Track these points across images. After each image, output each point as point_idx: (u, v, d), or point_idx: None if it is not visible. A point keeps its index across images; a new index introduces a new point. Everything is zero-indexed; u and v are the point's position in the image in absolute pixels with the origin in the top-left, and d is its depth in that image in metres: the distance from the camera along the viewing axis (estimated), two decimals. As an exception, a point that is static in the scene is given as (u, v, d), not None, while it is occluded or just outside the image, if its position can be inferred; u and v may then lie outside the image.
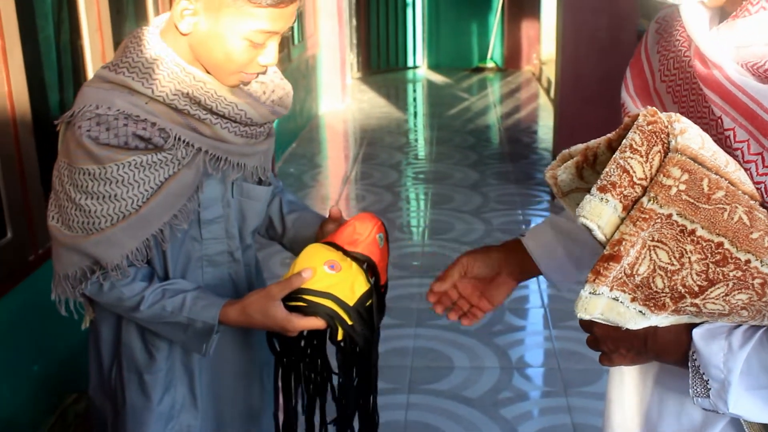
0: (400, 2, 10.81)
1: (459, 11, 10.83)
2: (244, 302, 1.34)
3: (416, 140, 7.16)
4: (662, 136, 0.84)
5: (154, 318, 1.37)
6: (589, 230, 0.86)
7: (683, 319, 0.92)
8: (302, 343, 1.44)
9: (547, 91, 8.58)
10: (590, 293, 0.86)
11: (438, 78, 10.30)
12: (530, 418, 2.79)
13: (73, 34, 2.84)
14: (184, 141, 1.32)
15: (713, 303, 0.86)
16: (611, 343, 1.00)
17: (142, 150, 1.29)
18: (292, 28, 1.33)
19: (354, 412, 1.46)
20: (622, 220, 0.84)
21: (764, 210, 0.86)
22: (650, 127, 0.84)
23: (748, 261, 0.83)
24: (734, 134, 0.89)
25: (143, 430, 1.46)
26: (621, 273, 0.85)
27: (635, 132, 0.85)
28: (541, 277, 1.35)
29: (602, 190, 0.84)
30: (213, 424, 1.54)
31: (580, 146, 0.96)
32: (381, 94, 9.19)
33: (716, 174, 0.83)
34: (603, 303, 0.86)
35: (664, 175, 0.82)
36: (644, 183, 0.84)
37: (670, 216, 0.83)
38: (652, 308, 0.87)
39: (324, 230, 1.50)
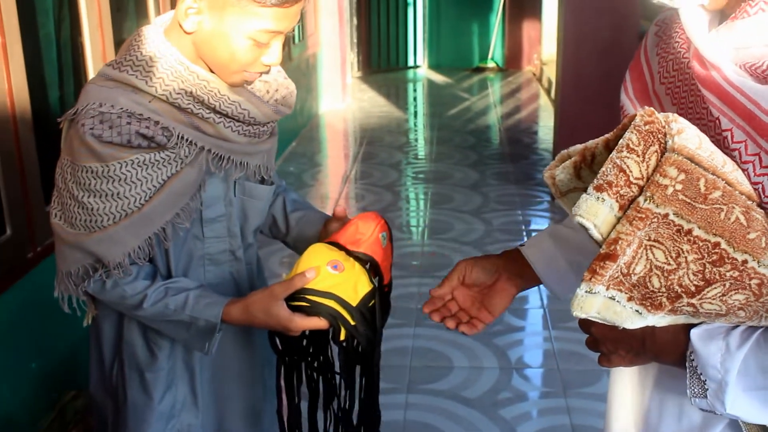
0: (401, 1, 10.81)
1: (460, 11, 10.83)
2: (246, 301, 1.34)
3: (416, 140, 7.16)
4: (659, 136, 0.84)
5: (156, 316, 1.37)
6: (585, 229, 0.86)
7: (680, 320, 0.92)
8: (304, 342, 1.44)
9: (548, 92, 8.58)
10: (586, 292, 0.86)
11: (438, 78, 10.30)
12: (529, 419, 2.79)
13: (74, 31, 2.84)
14: (187, 140, 1.32)
15: (710, 303, 0.86)
16: (610, 344, 1.00)
17: (145, 148, 1.29)
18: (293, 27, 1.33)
19: (352, 410, 1.46)
20: (619, 219, 0.84)
21: (761, 210, 0.86)
22: (647, 127, 0.84)
23: (745, 261, 0.83)
24: (732, 135, 0.89)
25: (144, 428, 1.46)
26: (617, 272, 0.85)
27: (632, 132, 0.85)
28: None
29: (598, 189, 0.85)
30: (214, 424, 1.54)
31: (579, 147, 0.96)
32: (381, 93, 9.19)
33: (713, 174, 0.83)
34: (599, 302, 0.87)
35: (660, 175, 0.83)
36: (641, 182, 0.84)
37: (666, 216, 0.83)
38: (649, 308, 0.87)
39: (328, 229, 1.50)
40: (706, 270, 0.84)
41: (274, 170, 1.55)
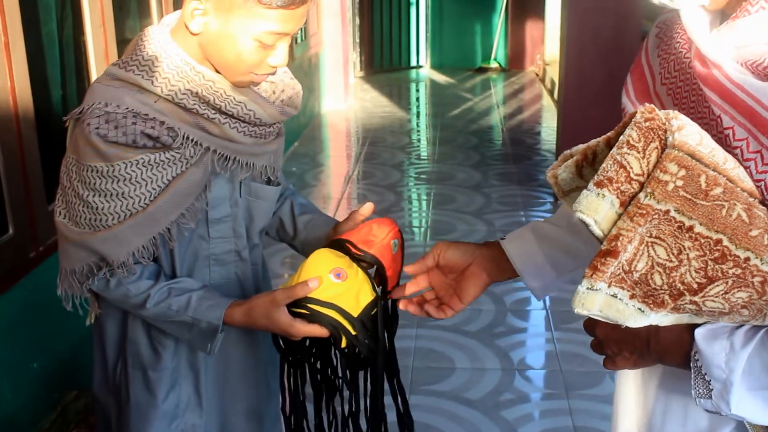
0: (404, 1, 10.81)
1: (463, 11, 10.82)
2: (249, 305, 1.34)
3: (419, 140, 7.15)
4: (659, 132, 0.84)
5: (159, 316, 1.37)
6: (586, 225, 0.85)
7: (684, 318, 0.91)
8: (307, 343, 1.44)
9: (551, 92, 8.57)
10: (587, 288, 0.85)
11: (441, 78, 10.29)
12: (531, 420, 2.78)
13: (76, 30, 2.84)
14: (192, 140, 1.32)
15: (713, 301, 0.85)
16: (614, 346, 0.99)
17: (150, 148, 1.29)
18: (297, 28, 1.33)
19: (358, 414, 1.46)
20: (620, 215, 0.84)
21: (763, 207, 0.86)
22: (647, 123, 0.84)
23: (747, 259, 0.83)
24: (733, 133, 0.89)
25: (147, 427, 1.46)
26: (619, 269, 0.84)
27: (632, 128, 0.85)
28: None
29: (599, 185, 0.84)
30: (217, 424, 1.54)
31: (581, 146, 0.96)
32: (384, 93, 9.19)
33: (714, 170, 0.83)
34: (601, 299, 0.86)
35: (661, 171, 0.82)
36: (641, 179, 0.84)
37: (667, 212, 0.82)
38: (651, 305, 0.86)
39: (338, 230, 1.49)
40: (708, 267, 0.83)
41: (281, 171, 1.55)
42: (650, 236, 0.83)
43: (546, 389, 3.00)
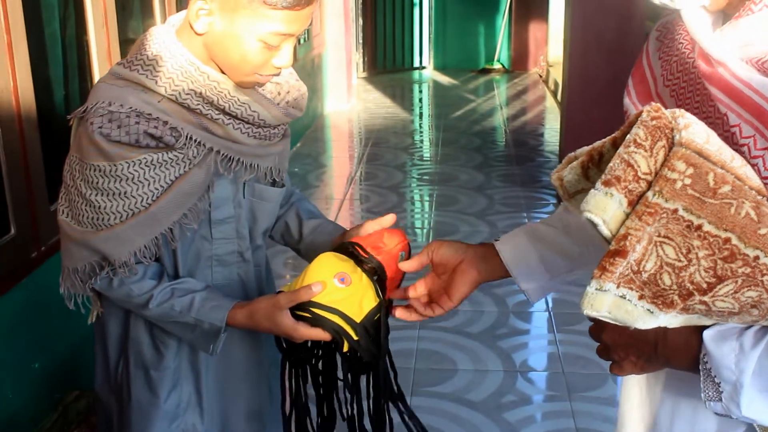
0: (407, 2, 10.80)
1: (466, 12, 10.81)
2: (252, 307, 1.34)
3: (422, 141, 7.15)
4: (666, 131, 0.83)
5: (162, 317, 1.37)
6: (594, 225, 0.84)
7: (693, 319, 0.90)
8: (309, 344, 1.44)
9: (554, 94, 8.56)
10: (596, 289, 0.84)
11: (444, 79, 10.29)
12: (533, 422, 2.77)
13: (79, 30, 2.84)
14: (195, 140, 1.32)
15: (722, 300, 0.84)
16: (621, 351, 0.98)
17: (153, 148, 1.29)
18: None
19: (361, 416, 1.45)
20: (628, 215, 0.83)
21: None
22: (654, 122, 0.84)
23: (756, 257, 0.82)
24: (740, 130, 0.89)
25: (148, 426, 1.46)
26: (628, 270, 0.83)
27: (639, 127, 0.84)
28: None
29: (607, 184, 0.83)
30: (218, 424, 1.54)
31: (586, 148, 0.95)
32: (387, 94, 9.18)
33: (722, 168, 0.82)
34: (610, 300, 0.85)
35: (668, 169, 0.82)
36: (649, 178, 0.83)
37: (676, 211, 0.82)
38: (660, 306, 0.86)
39: (349, 234, 1.49)
40: (718, 266, 0.82)
41: (286, 172, 1.54)
42: (659, 236, 0.82)
43: (548, 391, 2.99)
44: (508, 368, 3.11)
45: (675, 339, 0.93)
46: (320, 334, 1.31)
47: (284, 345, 1.42)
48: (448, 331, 3.37)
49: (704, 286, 0.83)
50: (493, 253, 1.30)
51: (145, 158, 1.28)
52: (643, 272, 0.83)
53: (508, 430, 2.71)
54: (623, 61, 4.81)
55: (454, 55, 10.92)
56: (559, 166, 0.98)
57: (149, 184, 1.30)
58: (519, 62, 10.69)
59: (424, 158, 6.44)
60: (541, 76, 10.11)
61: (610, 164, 0.84)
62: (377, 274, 1.36)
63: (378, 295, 1.34)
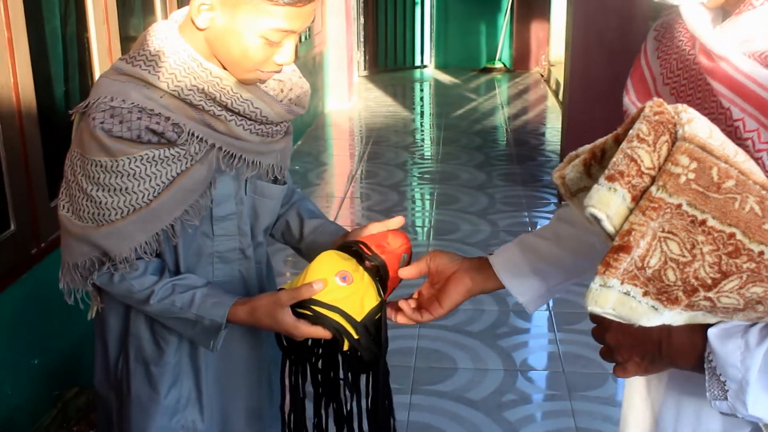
0: (409, 1, 10.79)
1: (468, 11, 10.81)
2: (253, 304, 1.34)
3: (423, 140, 7.14)
4: (669, 126, 0.83)
5: (163, 312, 1.37)
6: (598, 221, 0.84)
7: (698, 317, 0.89)
8: (309, 342, 1.43)
9: (556, 93, 8.56)
10: (600, 285, 0.84)
11: (445, 78, 10.28)
12: (533, 422, 2.77)
13: (80, 27, 2.83)
14: (197, 136, 1.31)
15: (727, 297, 0.84)
16: (625, 352, 0.97)
17: (154, 144, 1.28)
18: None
19: (360, 415, 1.45)
20: (631, 210, 0.83)
21: None
22: (657, 117, 0.83)
23: (761, 253, 0.81)
24: (744, 124, 0.88)
25: (148, 422, 1.46)
26: (632, 266, 0.83)
27: (642, 122, 0.83)
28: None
29: (610, 179, 0.83)
30: (218, 421, 1.53)
31: (588, 146, 0.95)
32: (388, 92, 9.18)
33: (726, 163, 0.82)
34: (614, 297, 0.84)
35: (672, 164, 0.81)
36: (652, 173, 0.82)
37: (680, 206, 0.81)
38: (665, 303, 0.85)
39: (353, 235, 1.49)
40: (722, 262, 0.81)
41: (288, 170, 1.54)
42: (663, 231, 0.81)
43: (548, 390, 2.98)
44: (508, 367, 3.10)
45: (679, 338, 0.92)
46: (321, 332, 1.31)
47: (284, 343, 1.42)
48: (448, 329, 3.37)
49: (709, 281, 0.83)
50: (488, 266, 1.33)
51: (146, 154, 1.28)
52: (647, 268, 0.83)
53: (508, 429, 2.70)
54: (625, 60, 4.79)
55: (455, 53, 10.92)
56: (561, 164, 0.98)
57: (151, 180, 1.29)
58: (520, 61, 10.69)
59: (425, 157, 6.44)
60: (542, 76, 10.11)
61: (613, 159, 0.84)
62: (379, 274, 1.36)
63: (379, 295, 1.34)
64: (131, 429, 1.47)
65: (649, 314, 0.86)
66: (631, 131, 0.84)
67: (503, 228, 4.65)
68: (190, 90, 1.29)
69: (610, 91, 4.90)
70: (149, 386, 1.45)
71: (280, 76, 1.42)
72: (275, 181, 1.50)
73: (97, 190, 1.29)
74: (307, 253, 1.58)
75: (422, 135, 7.38)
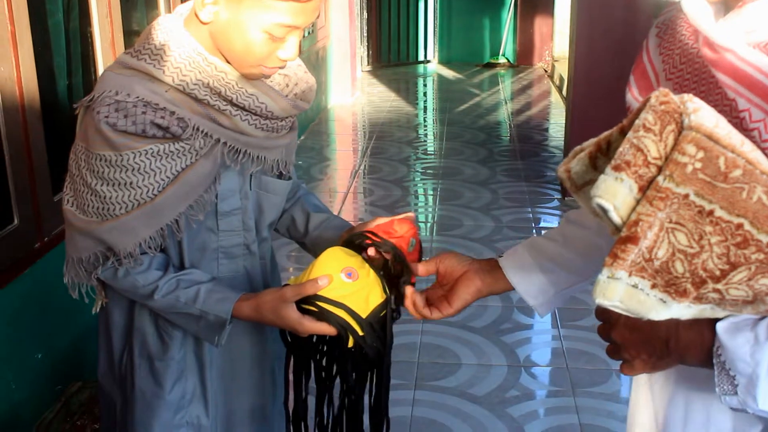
0: (412, -4, 10.77)
1: (471, 6, 10.78)
2: (257, 300, 1.34)
3: (426, 135, 7.13)
4: (675, 115, 0.82)
5: (167, 308, 1.36)
6: (605, 211, 0.83)
7: (706, 311, 0.88)
8: (314, 339, 1.43)
9: (560, 89, 8.54)
10: (608, 277, 0.83)
11: (449, 73, 10.26)
12: (537, 418, 2.76)
13: (83, 21, 2.83)
14: (202, 131, 1.31)
15: (736, 288, 0.83)
16: (633, 350, 0.96)
17: (159, 138, 1.28)
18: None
19: (361, 411, 1.45)
20: (638, 201, 0.82)
21: None
22: (663, 107, 0.82)
23: None
24: (750, 115, 0.88)
25: (152, 417, 1.45)
26: (639, 257, 0.82)
27: (648, 112, 0.83)
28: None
29: (617, 168, 0.82)
30: (222, 417, 1.53)
31: (593, 140, 0.94)
32: (391, 87, 9.16)
33: (732, 152, 0.81)
34: (622, 289, 0.84)
35: (679, 153, 0.80)
36: (659, 163, 0.82)
37: (687, 196, 0.80)
38: (673, 295, 0.84)
39: (359, 228, 1.48)
40: (731, 253, 0.81)
41: (293, 165, 1.53)
42: (670, 222, 0.81)
43: (552, 386, 2.98)
44: (511, 363, 3.10)
45: (687, 333, 0.91)
46: (325, 329, 1.31)
47: (289, 339, 1.42)
48: (452, 325, 3.36)
49: (717, 273, 0.82)
50: (497, 268, 1.34)
51: (151, 148, 1.27)
52: (655, 260, 0.82)
53: (511, 425, 2.70)
54: (630, 56, 4.76)
55: (459, 49, 10.89)
56: (566, 158, 0.97)
57: (155, 175, 1.29)
58: (524, 57, 10.66)
59: (429, 152, 6.43)
60: (546, 71, 10.08)
61: (620, 149, 0.83)
62: (386, 269, 1.35)
63: (385, 292, 1.34)
64: (135, 424, 1.47)
65: (658, 307, 0.85)
66: (637, 121, 0.83)
67: (506, 224, 4.64)
68: (195, 84, 1.29)
69: (615, 87, 4.88)
70: (153, 381, 1.45)
71: (286, 71, 1.42)
72: (280, 176, 1.49)
73: (102, 185, 1.28)
74: (313, 247, 1.58)
75: (425, 130, 7.37)
